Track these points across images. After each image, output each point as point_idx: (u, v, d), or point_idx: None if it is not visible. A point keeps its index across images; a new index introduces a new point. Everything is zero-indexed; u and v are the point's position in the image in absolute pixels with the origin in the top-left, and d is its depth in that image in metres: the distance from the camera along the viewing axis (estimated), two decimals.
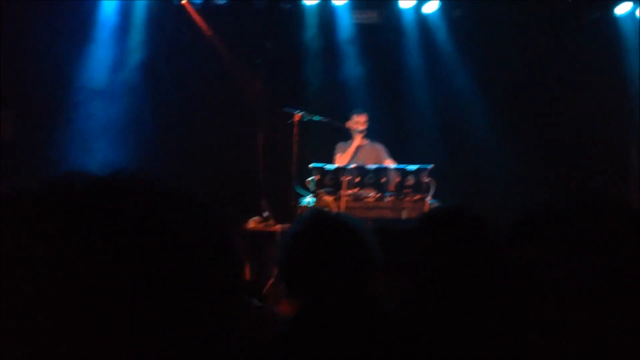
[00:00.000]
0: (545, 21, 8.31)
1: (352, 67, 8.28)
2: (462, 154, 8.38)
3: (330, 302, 1.93)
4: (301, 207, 6.41)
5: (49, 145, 7.40)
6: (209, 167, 7.85)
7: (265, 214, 6.93)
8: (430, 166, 6.51)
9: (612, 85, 8.32)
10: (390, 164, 6.98)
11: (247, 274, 6.46)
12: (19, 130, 7.51)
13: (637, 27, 8.27)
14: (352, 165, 6.64)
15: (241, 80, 8.12)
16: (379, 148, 7.29)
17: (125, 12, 7.94)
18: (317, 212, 2.17)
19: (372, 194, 6.51)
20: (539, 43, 8.38)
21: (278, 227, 6.68)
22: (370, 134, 7.30)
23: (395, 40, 8.43)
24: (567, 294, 0.88)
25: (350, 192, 6.45)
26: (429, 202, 6.43)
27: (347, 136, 7.33)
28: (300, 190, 6.64)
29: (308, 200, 6.49)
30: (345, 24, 8.26)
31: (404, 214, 6.36)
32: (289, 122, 6.88)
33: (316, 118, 7.01)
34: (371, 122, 7.26)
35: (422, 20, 8.38)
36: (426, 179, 6.48)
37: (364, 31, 8.33)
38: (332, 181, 6.44)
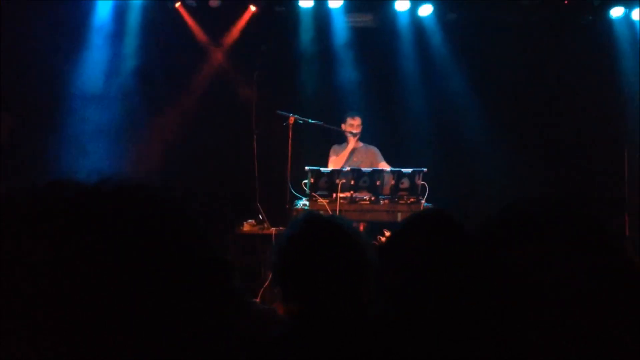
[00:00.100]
0: (540, 24, 8.33)
1: (347, 70, 8.29)
2: (456, 157, 8.39)
3: (326, 305, 1.93)
4: (296, 209, 6.41)
5: (44, 149, 7.39)
6: (204, 169, 7.85)
7: (260, 217, 6.94)
8: (424, 169, 6.52)
9: (607, 87, 8.36)
10: (385, 166, 6.99)
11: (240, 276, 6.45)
12: (13, 133, 7.49)
13: (633, 29, 8.32)
14: (347, 168, 6.65)
15: (236, 83, 8.12)
16: (374, 151, 7.30)
17: (119, 16, 7.94)
18: (310, 214, 2.17)
19: (366, 197, 6.52)
20: (534, 46, 8.40)
21: (273, 230, 6.68)
22: (365, 136, 7.32)
23: (390, 44, 8.45)
24: (565, 294, 0.88)
25: (345, 195, 6.46)
26: (423, 204, 6.44)
27: (341, 139, 7.34)
28: (295, 193, 6.64)
29: (303, 203, 6.50)
30: (341, 27, 8.27)
31: (399, 217, 6.37)
32: (284, 124, 6.89)
33: (311, 121, 7.02)
34: (366, 125, 7.28)
35: (417, 23, 8.39)
36: (421, 182, 6.49)
37: (359, 34, 8.34)
38: (327, 184, 6.44)
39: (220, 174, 7.91)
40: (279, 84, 8.17)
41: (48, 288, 0.64)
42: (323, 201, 6.37)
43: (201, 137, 7.98)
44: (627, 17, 8.34)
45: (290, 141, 6.84)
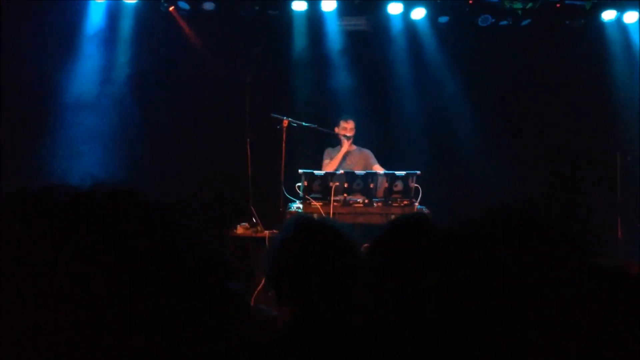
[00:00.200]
0: (532, 27, 8.36)
1: (340, 73, 8.30)
2: (450, 159, 8.40)
3: (320, 307, 1.93)
4: (290, 212, 6.41)
5: (36, 154, 7.36)
6: (198, 172, 7.84)
7: (254, 220, 6.93)
8: (418, 172, 6.53)
9: (599, 91, 8.39)
10: (379, 169, 7.00)
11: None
12: (6, 138, 7.46)
13: (624, 33, 8.36)
14: (341, 171, 6.65)
15: (229, 86, 8.11)
16: (367, 154, 7.31)
17: (112, 19, 7.92)
18: (302, 217, 2.17)
19: (360, 200, 6.53)
20: (526, 49, 8.43)
21: (266, 233, 6.67)
22: (358, 139, 7.32)
23: (383, 47, 8.46)
24: (562, 294, 0.89)
25: (338, 197, 6.46)
26: (417, 207, 6.45)
27: (335, 142, 7.35)
28: (289, 196, 6.64)
29: (297, 206, 6.50)
30: (334, 30, 8.29)
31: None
32: (277, 127, 6.89)
33: (304, 124, 7.03)
34: (359, 127, 7.29)
35: (410, 27, 8.41)
36: (414, 184, 6.50)
37: (352, 37, 8.36)
38: (320, 187, 6.44)
39: (213, 177, 7.90)
40: (273, 87, 8.17)
41: (48, 288, 0.64)
42: (317, 204, 6.37)
43: (194, 140, 7.98)
44: (618, 20, 8.37)
45: (284, 144, 6.84)
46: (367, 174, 6.61)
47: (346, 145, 7.22)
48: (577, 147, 8.38)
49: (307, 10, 8.12)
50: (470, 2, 8.13)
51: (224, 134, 8.00)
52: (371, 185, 6.50)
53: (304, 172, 6.44)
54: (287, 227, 2.12)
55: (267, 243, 6.23)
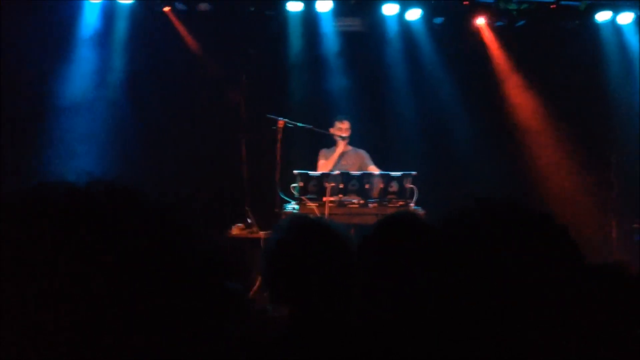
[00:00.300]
0: (527, 28, 8.38)
1: (336, 73, 8.30)
2: (445, 160, 8.41)
3: (318, 307, 1.93)
4: (285, 213, 6.41)
5: (34, 155, 7.35)
6: (193, 173, 7.83)
7: (249, 220, 6.93)
8: (413, 172, 6.53)
9: (593, 91, 8.41)
10: (374, 170, 6.99)
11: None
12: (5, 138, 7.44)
13: (618, 34, 8.39)
14: (336, 172, 6.64)
15: (225, 86, 8.11)
16: (363, 154, 7.31)
17: (108, 20, 7.91)
18: (298, 217, 2.17)
19: (355, 201, 6.53)
20: (520, 50, 8.45)
21: (262, 233, 6.67)
22: (354, 140, 7.32)
23: (378, 47, 8.47)
24: (557, 290, 0.89)
25: (334, 198, 6.46)
26: (412, 207, 6.45)
27: (330, 143, 7.35)
28: (284, 197, 6.64)
29: (292, 206, 6.49)
30: (329, 31, 8.29)
31: None
32: (273, 128, 6.89)
33: (300, 124, 7.02)
34: (354, 128, 7.28)
35: (405, 27, 8.42)
36: (410, 185, 6.50)
37: (348, 38, 8.36)
38: (316, 187, 6.44)
39: (209, 178, 7.89)
40: (268, 88, 8.17)
41: (48, 288, 0.64)
42: (312, 205, 6.37)
43: (190, 141, 7.97)
44: (612, 22, 8.40)
45: (279, 145, 6.83)
46: (362, 174, 6.61)
47: (341, 146, 7.21)
48: (572, 147, 8.39)
49: (302, 11, 8.12)
50: (465, 2, 8.14)
51: (219, 135, 7.99)
52: (367, 186, 6.50)
53: (299, 173, 6.43)
54: (282, 227, 2.12)
55: (262, 244, 6.22)
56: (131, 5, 7.91)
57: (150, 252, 0.67)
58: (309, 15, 8.20)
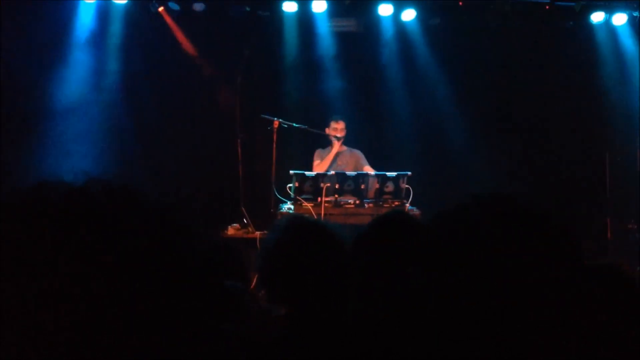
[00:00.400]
0: (522, 28, 8.39)
1: (331, 74, 8.30)
2: (440, 160, 8.41)
3: (315, 307, 1.93)
4: (281, 213, 6.41)
5: (31, 156, 7.33)
6: (189, 173, 7.82)
7: (245, 220, 6.93)
8: (409, 172, 6.54)
9: (588, 92, 8.43)
10: (369, 170, 7.00)
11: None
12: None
13: (613, 34, 8.41)
14: (332, 172, 6.65)
15: (220, 87, 8.10)
16: (358, 154, 7.31)
17: (102, 20, 7.89)
18: (295, 218, 2.18)
19: (351, 201, 6.53)
20: (515, 50, 8.46)
21: (257, 233, 6.67)
22: (349, 140, 7.33)
23: (373, 48, 8.47)
24: (561, 293, 0.89)
25: (329, 198, 6.46)
26: (408, 208, 6.46)
27: (325, 143, 7.35)
28: (280, 197, 6.64)
29: (288, 206, 6.49)
30: (324, 31, 8.29)
31: None
32: (268, 128, 6.89)
33: (295, 125, 7.03)
34: (350, 128, 7.29)
35: (401, 28, 8.43)
36: (405, 185, 6.51)
37: (343, 39, 8.36)
38: (311, 188, 6.44)
39: (204, 178, 7.89)
40: (263, 88, 8.17)
41: (48, 288, 0.64)
42: (308, 205, 6.37)
43: (185, 141, 7.96)
44: (607, 22, 8.42)
45: (274, 145, 6.84)
46: (358, 174, 6.61)
47: (337, 146, 7.21)
48: (566, 147, 8.41)
49: (297, 12, 8.12)
50: (461, 3, 8.15)
51: (215, 135, 7.99)
52: (362, 186, 6.50)
53: (295, 173, 6.43)
54: (280, 227, 2.12)
55: (258, 244, 6.22)
56: (125, 5, 7.88)
57: (150, 252, 0.67)
58: (304, 16, 8.19)
